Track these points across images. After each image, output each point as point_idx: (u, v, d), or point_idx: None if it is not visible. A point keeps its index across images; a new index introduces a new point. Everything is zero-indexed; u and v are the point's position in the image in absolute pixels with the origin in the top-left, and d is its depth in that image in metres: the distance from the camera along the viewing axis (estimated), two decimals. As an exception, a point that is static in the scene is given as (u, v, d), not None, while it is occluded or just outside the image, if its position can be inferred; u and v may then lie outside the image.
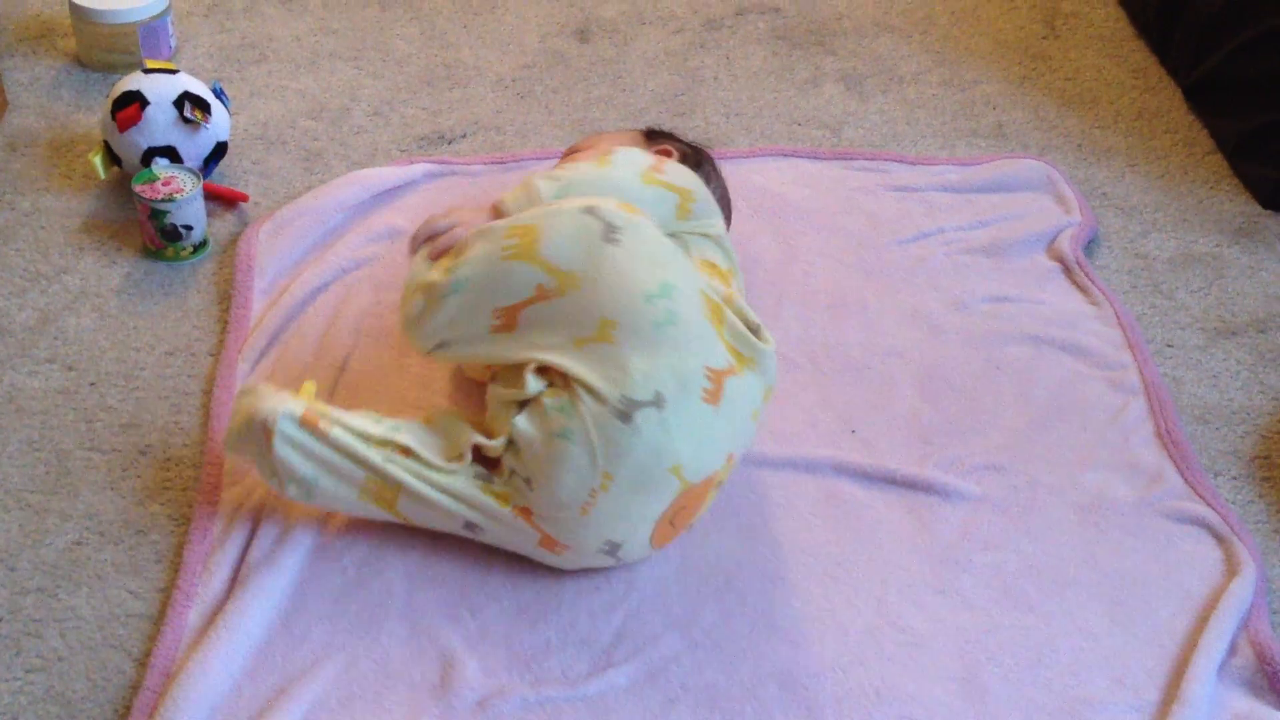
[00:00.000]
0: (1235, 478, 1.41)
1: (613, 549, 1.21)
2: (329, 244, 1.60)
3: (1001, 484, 1.37)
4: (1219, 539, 1.33)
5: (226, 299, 1.53)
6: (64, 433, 1.37)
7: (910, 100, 1.96)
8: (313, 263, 1.57)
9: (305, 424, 1.19)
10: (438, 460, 1.20)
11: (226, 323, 1.50)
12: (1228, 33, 1.88)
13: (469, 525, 1.22)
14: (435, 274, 1.22)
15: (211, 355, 1.47)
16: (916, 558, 1.29)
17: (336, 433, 1.20)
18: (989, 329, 1.55)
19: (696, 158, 1.52)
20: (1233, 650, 1.22)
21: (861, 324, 1.55)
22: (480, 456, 1.22)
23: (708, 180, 1.45)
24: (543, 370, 1.18)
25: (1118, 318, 1.57)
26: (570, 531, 1.19)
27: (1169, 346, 1.57)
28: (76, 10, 1.85)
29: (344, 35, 2.01)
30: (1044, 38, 2.12)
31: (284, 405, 1.20)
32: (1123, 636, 1.24)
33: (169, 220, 1.55)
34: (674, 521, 1.22)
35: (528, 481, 1.18)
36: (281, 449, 1.19)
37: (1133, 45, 2.10)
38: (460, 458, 1.20)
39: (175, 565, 1.25)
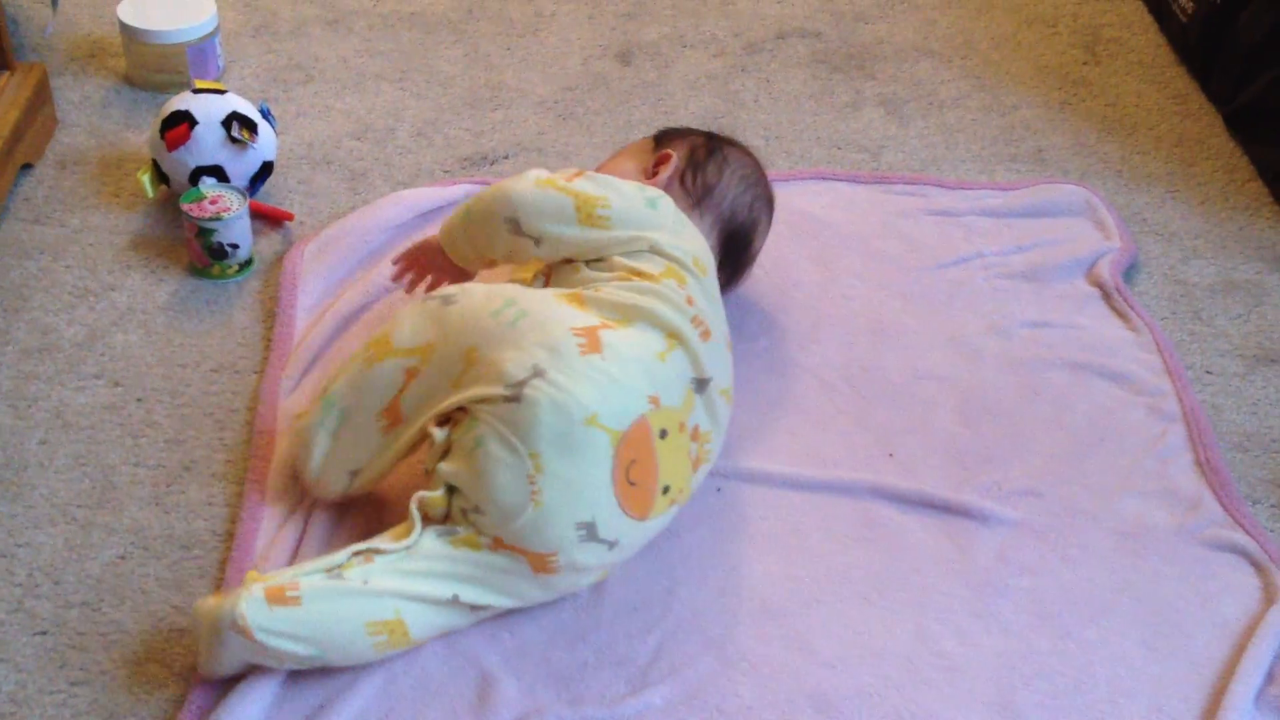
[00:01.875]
0: (1274, 506, 1.40)
1: (592, 532, 1.19)
2: (372, 263, 1.62)
3: (1039, 509, 1.37)
4: (1257, 567, 1.32)
5: (271, 317, 1.55)
6: (110, 448, 1.39)
7: (950, 125, 1.97)
8: (356, 282, 1.59)
9: (272, 599, 1.12)
10: (398, 544, 1.18)
11: (270, 341, 1.52)
12: (1270, 60, 1.87)
13: (462, 600, 1.19)
14: (304, 418, 1.30)
15: (256, 373, 1.48)
16: (953, 582, 1.30)
17: (305, 584, 1.14)
18: (1028, 354, 1.55)
19: (709, 147, 1.51)
20: (1270, 679, 1.22)
21: (900, 348, 1.56)
22: (431, 520, 1.22)
23: (715, 171, 1.48)
24: (443, 419, 1.22)
25: (1157, 344, 1.57)
26: (538, 531, 1.17)
27: (1208, 373, 1.56)
28: (127, 30, 1.88)
29: (389, 57, 2.04)
30: (1084, 63, 2.12)
31: (241, 597, 1.12)
32: (1160, 664, 1.23)
33: (215, 239, 1.57)
34: (633, 478, 1.20)
35: (478, 509, 1.18)
36: (269, 640, 1.11)
37: (1173, 72, 2.10)
38: (412, 527, 1.20)
39: (218, 581, 1.26)
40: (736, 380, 1.39)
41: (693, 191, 1.47)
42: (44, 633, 1.22)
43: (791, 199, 1.77)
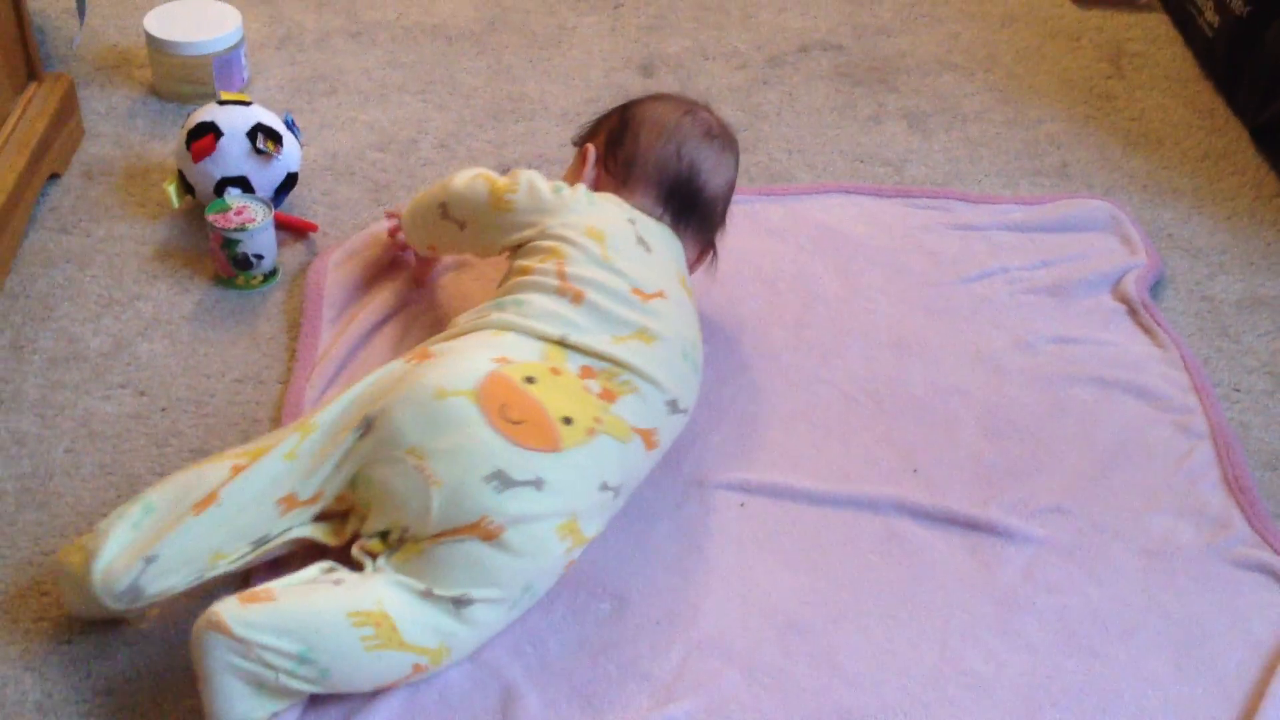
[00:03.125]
0: (1303, 525, 1.40)
1: (505, 479, 1.18)
2: (396, 274, 1.62)
3: (1065, 526, 1.36)
4: (1287, 587, 1.31)
5: (295, 327, 1.55)
6: (135, 457, 1.40)
7: (973, 138, 1.96)
8: (380, 293, 1.59)
9: (245, 599, 1.12)
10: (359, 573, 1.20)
11: (295, 351, 1.52)
12: (1297, 75, 1.87)
13: (437, 593, 1.17)
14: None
15: (280, 383, 1.49)
16: (979, 599, 1.29)
17: (279, 585, 1.14)
18: (1053, 370, 1.54)
19: (620, 121, 1.51)
20: (1301, 700, 1.21)
21: (924, 362, 1.55)
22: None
23: (631, 141, 1.48)
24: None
25: (1184, 361, 1.56)
26: (456, 505, 1.17)
27: (1236, 390, 1.55)
28: (153, 42, 1.89)
29: (412, 69, 2.04)
30: (1109, 77, 2.11)
31: (217, 605, 1.11)
32: (1189, 684, 1.22)
33: (240, 249, 1.57)
34: (513, 418, 1.20)
35: (404, 528, 1.18)
36: (249, 633, 1.09)
37: (1199, 86, 2.09)
38: (364, 566, 1.20)
39: (242, 590, 1.26)
40: (757, 392, 1.39)
41: (618, 172, 1.48)
42: (69, 642, 1.22)
43: (814, 212, 1.77)
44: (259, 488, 1.20)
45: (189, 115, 1.70)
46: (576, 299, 1.32)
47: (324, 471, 1.22)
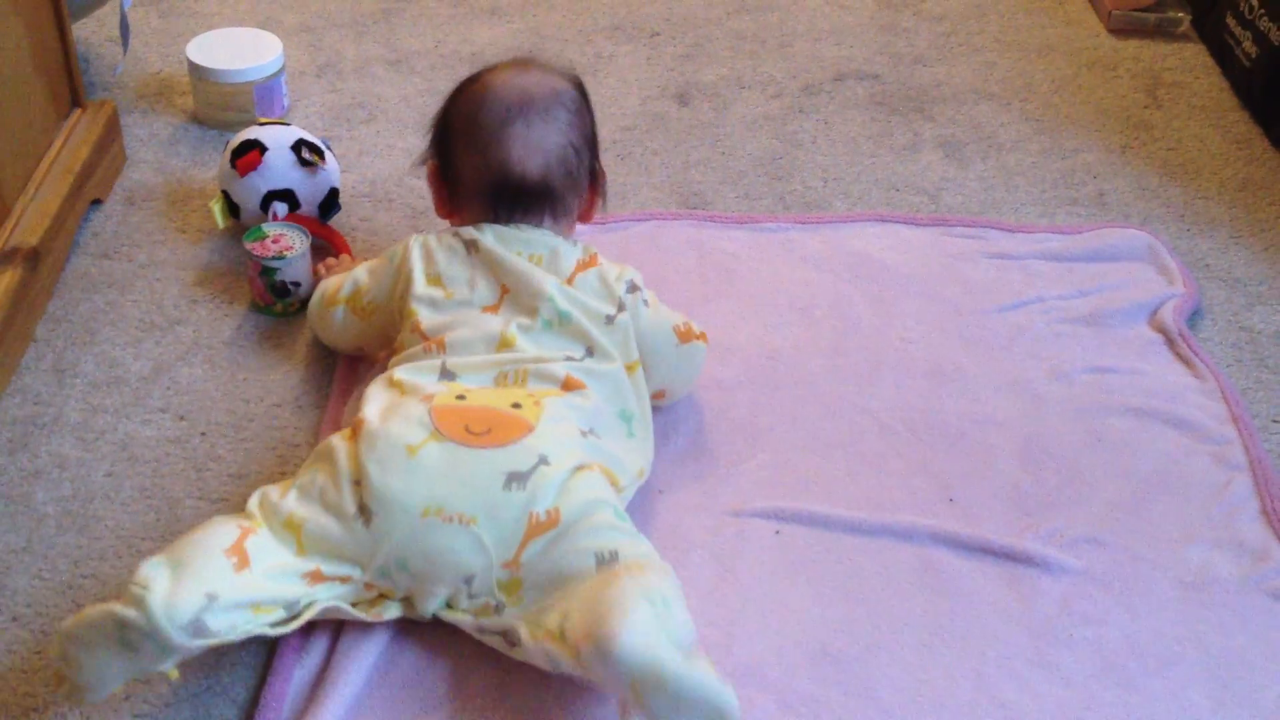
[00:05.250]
0: (1344, 558, 1.38)
1: (518, 476, 1.19)
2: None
3: (1102, 557, 1.35)
4: (1327, 621, 1.30)
5: (332, 353, 1.56)
6: (175, 481, 1.41)
7: (1010, 167, 1.96)
8: (417, 319, 1.60)
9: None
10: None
11: (333, 376, 1.53)
12: (1336, 105, 1.86)
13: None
14: None
15: (318, 408, 1.50)
16: (1015, 630, 1.28)
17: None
18: (1090, 400, 1.54)
19: (437, 143, 1.48)
20: (1342, 736, 1.20)
21: (960, 391, 1.55)
22: None
23: (450, 158, 1.45)
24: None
25: (1222, 391, 1.55)
26: (498, 515, 1.18)
27: (1275, 422, 1.54)
28: (195, 70, 1.92)
29: (450, 96, 2.06)
30: (1146, 107, 2.11)
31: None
32: (1226, 717, 1.21)
33: (278, 277, 1.59)
34: (475, 430, 1.21)
35: (471, 579, 1.18)
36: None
37: (1236, 116, 2.08)
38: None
39: (279, 615, 1.27)
40: (793, 421, 1.41)
41: (451, 198, 1.47)
42: (108, 664, 1.23)
43: (849, 241, 1.77)
44: (284, 565, 1.17)
45: (230, 139, 1.72)
46: (440, 347, 1.33)
47: (342, 565, 1.19)
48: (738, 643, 1.26)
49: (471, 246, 1.39)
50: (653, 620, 1.06)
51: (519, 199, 1.41)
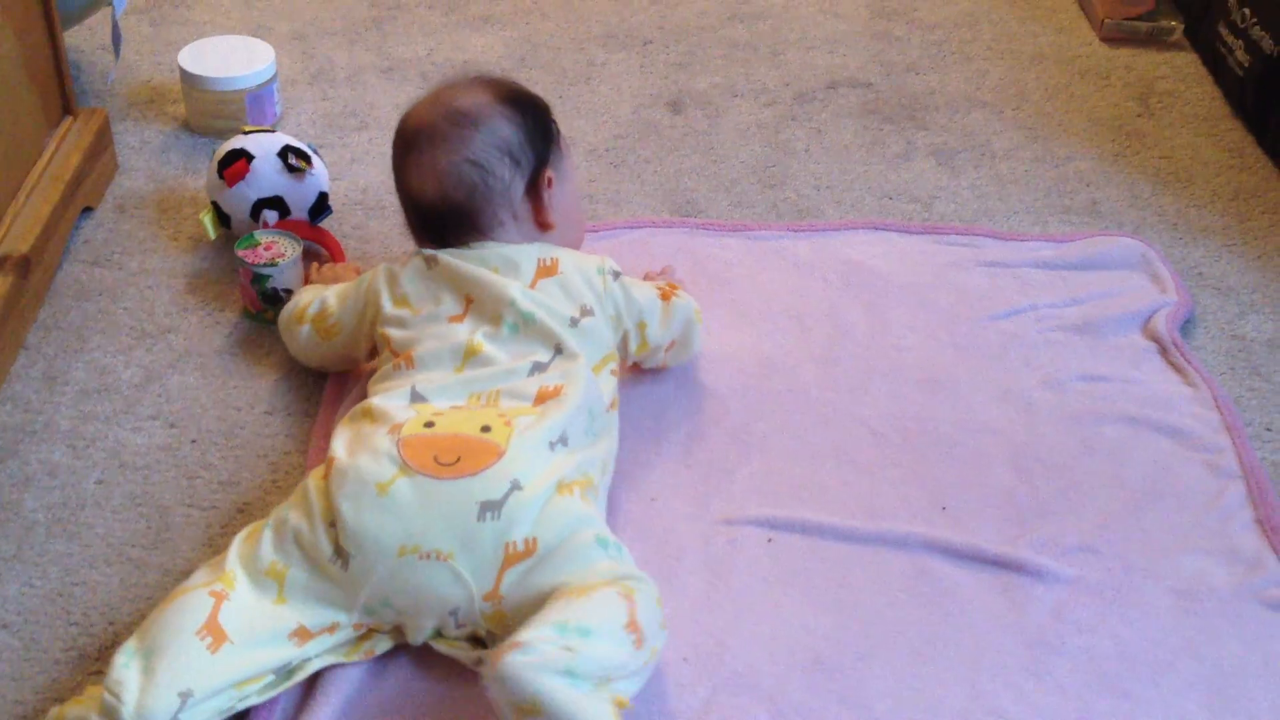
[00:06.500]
0: (1337, 566, 1.38)
1: (492, 505, 1.17)
2: (425, 309, 1.63)
3: (1096, 566, 1.35)
4: (1320, 630, 1.30)
5: (324, 361, 1.56)
6: (165, 489, 1.40)
7: (1002, 175, 1.96)
8: (409, 327, 1.60)
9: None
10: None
11: (324, 385, 1.52)
12: (1328, 114, 1.86)
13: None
14: None
15: (309, 416, 1.49)
16: (1008, 639, 1.28)
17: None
18: (1083, 408, 1.54)
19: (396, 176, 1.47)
20: (1336, 745, 1.19)
21: (953, 400, 1.55)
22: None
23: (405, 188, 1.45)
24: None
25: (1215, 400, 1.55)
26: (475, 548, 1.16)
27: (1268, 430, 1.54)
28: (187, 77, 1.91)
29: (442, 104, 2.05)
30: (1139, 115, 2.11)
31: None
32: (1221, 727, 1.21)
33: (270, 284, 1.58)
34: (444, 461, 1.19)
35: (456, 611, 1.18)
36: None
37: (1229, 124, 2.09)
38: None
39: (270, 624, 1.26)
40: (785, 428, 1.41)
41: (408, 226, 1.49)
42: (100, 672, 1.22)
43: (842, 249, 1.77)
44: (266, 627, 1.16)
45: (216, 149, 1.72)
46: (409, 362, 1.33)
47: (326, 610, 1.18)
48: (730, 651, 1.25)
49: (431, 261, 1.39)
50: (552, 647, 1.05)
51: (434, 222, 1.42)
